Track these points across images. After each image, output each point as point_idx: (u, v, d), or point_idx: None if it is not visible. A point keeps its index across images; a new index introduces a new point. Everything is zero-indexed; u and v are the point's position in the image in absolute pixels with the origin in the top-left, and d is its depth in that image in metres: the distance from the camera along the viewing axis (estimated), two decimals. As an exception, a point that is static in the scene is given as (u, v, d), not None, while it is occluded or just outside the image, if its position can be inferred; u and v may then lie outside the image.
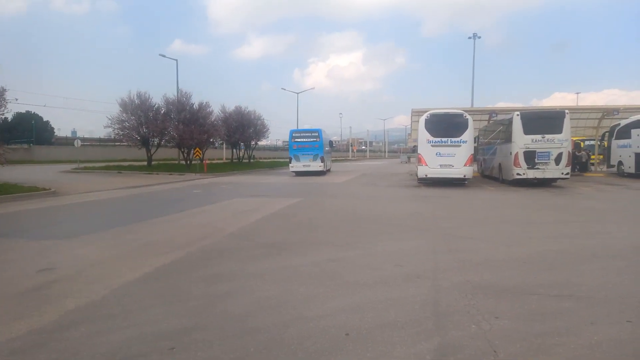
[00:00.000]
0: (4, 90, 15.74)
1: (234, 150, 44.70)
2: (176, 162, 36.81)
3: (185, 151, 32.23)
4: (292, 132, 29.18)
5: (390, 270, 5.45)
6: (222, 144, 49.62)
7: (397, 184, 20.10)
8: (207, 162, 31.47)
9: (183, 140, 30.39)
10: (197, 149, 30.22)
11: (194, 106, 32.12)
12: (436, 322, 3.75)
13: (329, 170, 32.22)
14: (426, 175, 17.96)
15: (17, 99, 26.78)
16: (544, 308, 4.09)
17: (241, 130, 40.83)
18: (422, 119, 18.19)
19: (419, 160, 18.13)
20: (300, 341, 3.43)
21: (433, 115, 17.98)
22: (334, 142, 44.93)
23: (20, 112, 58.74)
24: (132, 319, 3.90)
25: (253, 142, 45.24)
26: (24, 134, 57.40)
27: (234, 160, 44.25)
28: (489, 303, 4.21)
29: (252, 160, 46.02)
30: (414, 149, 24.46)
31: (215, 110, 35.95)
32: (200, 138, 30.27)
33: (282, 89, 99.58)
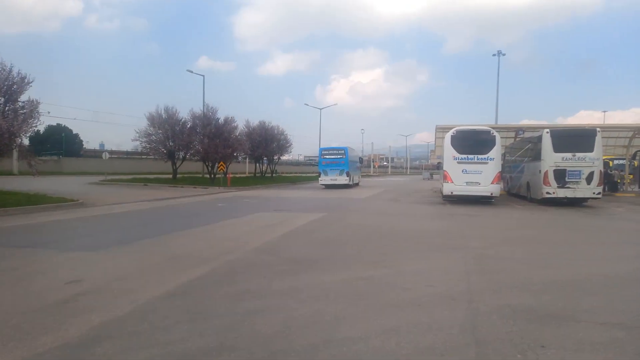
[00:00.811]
0: (38, 103, 16.21)
1: (257, 164, 45.06)
2: (200, 175, 37.26)
3: (210, 165, 32.59)
4: (321, 149, 32.87)
5: (422, 291, 5.21)
6: (245, 158, 50.09)
7: (422, 201, 19.75)
8: (231, 176, 31.73)
9: (208, 154, 30.76)
10: (222, 162, 30.52)
11: (220, 121, 32.57)
12: (478, 350, 3.50)
13: (357, 184, 34.67)
14: (452, 193, 17.57)
15: (49, 112, 27.73)
16: (593, 337, 3.80)
17: (264, 144, 41.19)
18: (448, 135, 17.89)
19: (445, 177, 17.78)
20: (333, 366, 3.24)
21: (459, 132, 17.66)
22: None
23: (52, 125, 60.79)
24: (158, 337, 3.78)
25: (276, 157, 45.56)
26: (54, 146, 59.25)
27: (257, 175, 44.56)
28: (533, 330, 3.93)
29: (274, 175, 46.26)
30: (438, 166, 24.13)
31: (240, 125, 36.40)
32: (225, 152, 30.59)
33: (305, 104, 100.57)
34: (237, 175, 42.28)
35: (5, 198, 15.35)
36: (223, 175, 30.44)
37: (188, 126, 32.04)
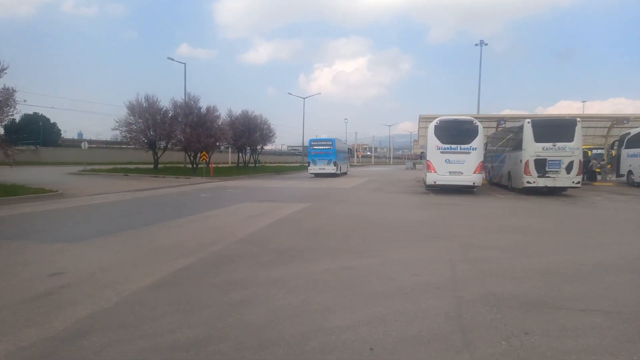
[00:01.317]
0: (14, 91, 15.74)
1: (240, 154, 44.74)
2: (182, 165, 36.82)
3: (192, 155, 32.22)
4: (310, 141, 35.16)
5: (407, 280, 5.28)
6: (228, 148, 49.66)
7: (405, 191, 19.92)
8: (214, 166, 31.42)
9: (190, 144, 30.41)
10: (204, 152, 30.19)
11: (202, 110, 32.18)
12: (463, 337, 3.58)
13: (345, 173, 37.35)
14: (435, 182, 17.75)
15: (25, 101, 26.96)
16: (574, 323, 3.91)
17: (247, 134, 40.87)
18: (432, 125, 18.02)
19: (428, 167, 17.94)
20: (323, 356, 3.27)
21: (442, 122, 17.80)
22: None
23: (28, 114, 59.23)
24: (146, 329, 3.76)
25: (259, 147, 45.28)
26: (31, 136, 57.76)
27: (240, 165, 44.26)
28: (516, 317, 4.03)
29: (257, 165, 46.02)
30: (421, 156, 24.34)
31: (222, 114, 36.04)
32: (207, 142, 30.28)
33: (289, 93, 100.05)
34: (220, 165, 41.93)
35: (-20, 189, 14.92)
36: (205, 165, 30.14)
37: (169, 115, 31.57)
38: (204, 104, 32.91)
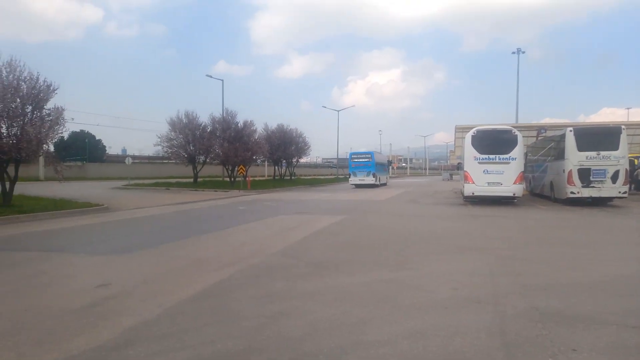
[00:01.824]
0: (63, 110, 16.61)
1: (276, 167, 45.27)
2: (221, 179, 37.68)
3: (230, 168, 32.94)
4: (350, 154, 37.79)
5: (446, 294, 5.18)
6: (264, 161, 50.44)
7: (442, 202, 19.57)
8: (250, 179, 31.99)
9: (228, 158, 31.12)
10: (241, 166, 30.82)
11: (239, 124, 32.93)
12: (507, 353, 3.47)
13: (384, 184, 39.31)
14: (473, 194, 17.35)
15: (73, 119, 28.41)
16: (625, 340, 3.72)
17: (283, 147, 41.37)
18: (469, 135, 17.69)
19: (466, 178, 17.58)
20: (361, 369, 3.26)
21: (480, 132, 17.45)
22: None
23: (75, 131, 62.30)
24: (188, 340, 3.86)
25: (294, 160, 45.71)
26: (78, 152, 60.69)
27: (276, 177, 44.77)
28: (562, 333, 3.87)
29: (293, 178, 46.41)
30: (458, 166, 23.91)
31: (259, 128, 36.72)
32: (245, 155, 30.90)
33: (323, 106, 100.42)
34: (257, 178, 42.61)
35: (33, 203, 15.82)
36: (243, 179, 30.72)
37: (208, 130, 32.49)
38: (240, 119, 33.71)
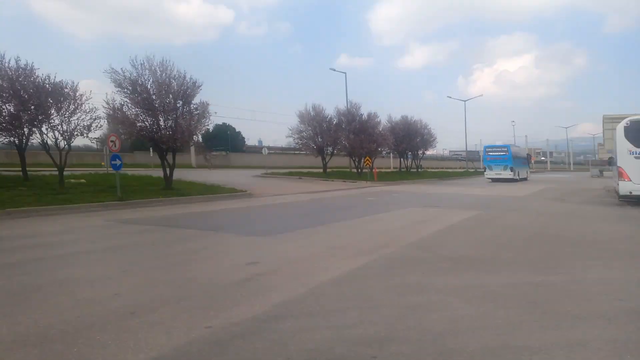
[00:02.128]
0: (207, 104, 18.60)
1: (402, 159, 44.76)
2: (348, 169, 38.59)
3: (356, 160, 33.54)
4: (485, 147, 37.79)
5: (609, 304, 4.59)
6: (389, 153, 50.20)
7: (592, 201, 17.31)
8: (377, 170, 32.16)
9: (354, 149, 31.73)
10: (368, 157, 31.16)
11: (363, 116, 33.28)
12: (697, 380, 2.97)
13: (525, 179, 37.21)
14: (630, 193, 14.97)
15: (216, 112, 31.70)
16: None
17: (408, 139, 40.72)
18: (620, 126, 15.29)
19: (620, 175, 15.24)
20: (513, 374, 3.08)
21: (634, 123, 14.93)
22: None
23: (218, 124, 69.09)
24: (331, 320, 4.06)
25: (420, 152, 44.65)
26: (221, 143, 67.37)
27: (402, 170, 44.29)
28: None
29: (420, 170, 45.43)
30: (609, 161, 20.91)
31: (382, 120, 36.63)
32: (370, 147, 31.18)
33: (448, 97, 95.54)
34: (382, 170, 42.64)
35: (189, 187, 18.14)
36: (369, 170, 31.04)
37: (334, 122, 33.45)
38: (364, 111, 34.01)
